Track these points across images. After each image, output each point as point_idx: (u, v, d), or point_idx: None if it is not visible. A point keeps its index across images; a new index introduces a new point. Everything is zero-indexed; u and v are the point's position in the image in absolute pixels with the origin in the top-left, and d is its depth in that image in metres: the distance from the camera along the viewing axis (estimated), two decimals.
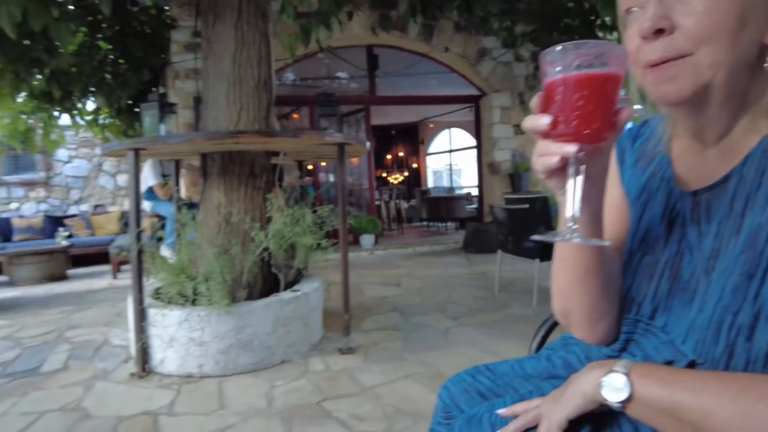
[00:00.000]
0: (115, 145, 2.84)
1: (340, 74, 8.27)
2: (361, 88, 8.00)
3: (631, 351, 0.77)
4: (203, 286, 2.74)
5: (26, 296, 5.34)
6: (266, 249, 3.12)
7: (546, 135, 0.61)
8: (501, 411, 0.82)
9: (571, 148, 0.59)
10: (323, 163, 8.17)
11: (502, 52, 7.46)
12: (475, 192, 11.47)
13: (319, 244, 3.24)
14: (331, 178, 8.58)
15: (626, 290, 0.81)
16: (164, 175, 5.22)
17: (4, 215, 7.10)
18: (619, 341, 0.80)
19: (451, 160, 13.86)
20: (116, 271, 6.25)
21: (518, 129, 7.83)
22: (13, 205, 7.49)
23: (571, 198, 0.63)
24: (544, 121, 0.60)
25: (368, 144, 3.46)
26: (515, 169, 7.55)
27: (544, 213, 4.36)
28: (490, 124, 7.85)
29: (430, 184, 14.35)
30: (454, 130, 13.44)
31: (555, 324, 1.24)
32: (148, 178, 5.18)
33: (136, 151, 2.79)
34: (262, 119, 3.25)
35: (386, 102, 8.12)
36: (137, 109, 6.57)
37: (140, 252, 2.79)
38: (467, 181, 13.97)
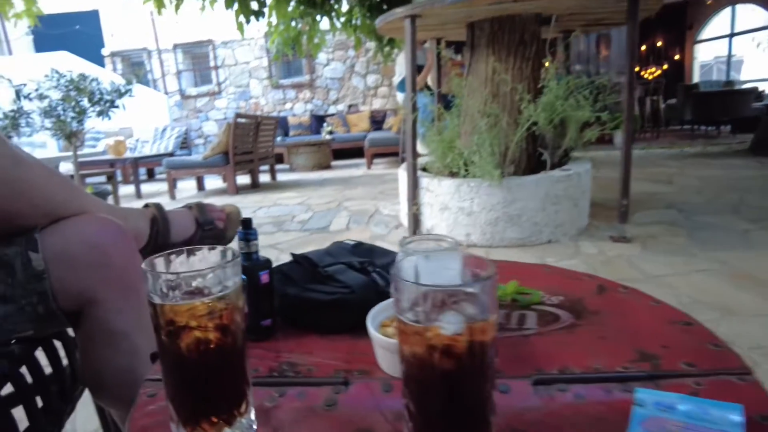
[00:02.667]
0: (390, 15, 2.88)
1: None
2: None
3: None
4: (475, 156, 2.69)
5: (304, 179, 6.30)
6: (535, 123, 2.90)
7: None
8: None
9: None
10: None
11: None
12: (762, 87, 9.10)
13: (598, 118, 2.89)
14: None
15: None
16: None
17: (282, 114, 8.39)
18: None
19: (731, 48, 11.08)
20: (370, 162, 6.89)
21: None
22: (288, 105, 8.79)
23: None
24: None
25: None
26: None
27: None
28: None
29: (696, 79, 11.85)
30: (740, 6, 10.58)
31: None
32: (402, 70, 5.35)
33: (412, 18, 2.77)
34: None
35: None
36: (386, 6, 6.74)
37: (415, 121, 2.86)
38: (750, 74, 11.15)
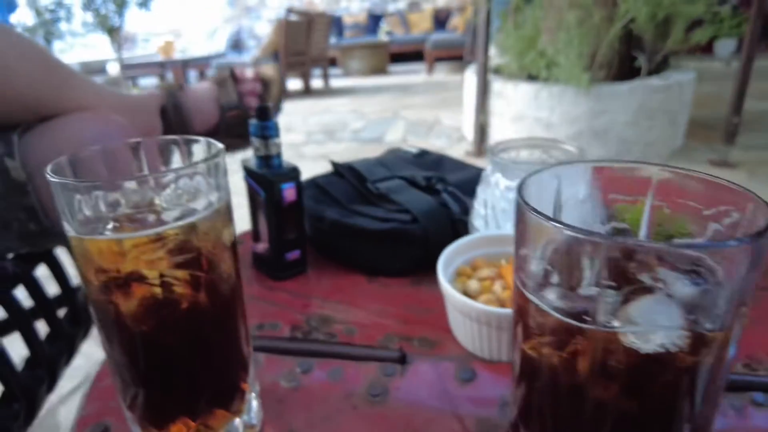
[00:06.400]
0: None
1: None
2: None
3: None
4: (561, 57, 2.28)
5: (358, 85, 5.94)
6: (632, 20, 2.41)
7: None
8: None
9: None
10: None
11: None
12: None
13: (715, 15, 2.37)
14: None
15: None
16: None
17: (337, 13, 7.83)
18: None
19: None
20: (431, 67, 6.39)
21: None
22: (343, 3, 8.18)
23: None
24: None
25: None
26: None
27: None
28: None
29: None
30: None
31: None
32: None
33: None
34: None
35: None
36: None
37: (488, 13, 2.44)
38: None
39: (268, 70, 0.82)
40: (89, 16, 4.17)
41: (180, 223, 0.27)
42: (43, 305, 0.76)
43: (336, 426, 0.36)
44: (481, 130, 2.66)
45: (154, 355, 0.29)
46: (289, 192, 0.51)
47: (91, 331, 0.91)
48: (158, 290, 0.27)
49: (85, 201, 0.27)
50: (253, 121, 0.51)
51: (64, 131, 0.61)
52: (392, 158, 0.69)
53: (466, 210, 0.55)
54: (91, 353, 1.32)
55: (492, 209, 0.48)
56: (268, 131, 0.50)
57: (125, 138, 0.63)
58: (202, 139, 0.32)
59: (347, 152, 2.96)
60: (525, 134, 2.51)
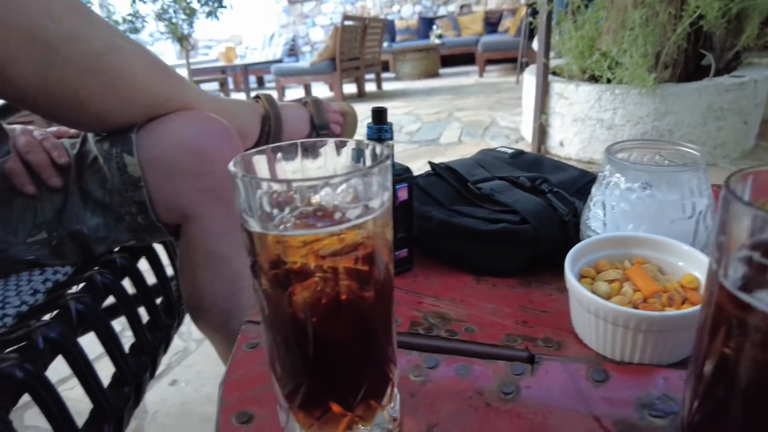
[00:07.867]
0: None
1: None
2: None
3: None
4: (625, 57, 2.21)
5: (411, 88, 5.96)
6: (701, 17, 2.30)
7: None
8: None
9: None
10: None
11: None
12: None
13: None
14: None
15: None
16: None
17: (390, 17, 7.89)
18: None
19: None
20: (482, 70, 6.33)
21: None
22: (395, 8, 8.24)
23: None
24: None
25: None
26: None
27: None
28: None
29: None
30: None
31: None
32: None
33: None
34: None
35: None
36: None
37: (550, 14, 2.40)
38: None
39: (347, 107, 0.96)
40: (161, 26, 4.44)
41: (362, 220, 0.28)
42: (146, 297, 0.82)
43: (472, 421, 0.36)
44: (541, 131, 2.62)
45: (323, 347, 0.31)
46: (402, 192, 0.52)
47: (182, 323, 0.96)
48: (332, 285, 0.29)
49: (268, 198, 0.28)
50: (369, 124, 0.52)
51: (168, 129, 0.66)
52: (488, 158, 0.69)
53: (575, 211, 0.54)
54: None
55: (611, 210, 0.47)
56: (384, 133, 0.52)
57: (222, 136, 0.67)
58: (352, 140, 0.33)
59: (405, 154, 2.98)
60: (587, 135, 2.45)
